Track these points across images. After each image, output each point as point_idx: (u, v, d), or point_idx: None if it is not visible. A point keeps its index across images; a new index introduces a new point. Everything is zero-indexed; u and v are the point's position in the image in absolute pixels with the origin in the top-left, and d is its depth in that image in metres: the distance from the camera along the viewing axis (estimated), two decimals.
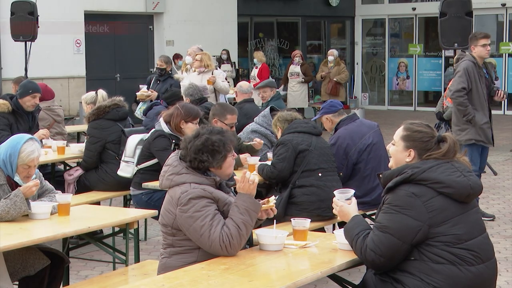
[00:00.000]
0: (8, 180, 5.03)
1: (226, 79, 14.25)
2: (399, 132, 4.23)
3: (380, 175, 4.21)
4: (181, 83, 11.34)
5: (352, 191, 4.39)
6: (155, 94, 10.95)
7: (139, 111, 10.91)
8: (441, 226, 3.97)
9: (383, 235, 3.99)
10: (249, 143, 7.49)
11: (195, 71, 11.61)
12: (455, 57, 10.52)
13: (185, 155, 4.36)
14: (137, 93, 11.08)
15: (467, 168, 4.15)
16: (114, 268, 6.51)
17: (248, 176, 4.25)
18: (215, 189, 4.28)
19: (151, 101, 10.78)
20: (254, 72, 16.72)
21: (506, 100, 15.64)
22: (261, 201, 4.33)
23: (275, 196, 4.59)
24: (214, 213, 4.18)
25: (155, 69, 11.64)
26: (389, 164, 4.29)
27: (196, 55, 11.86)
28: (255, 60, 16.87)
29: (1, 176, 5.00)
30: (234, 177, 4.40)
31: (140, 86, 11.69)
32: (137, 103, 11.81)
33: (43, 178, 5.32)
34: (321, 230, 6.58)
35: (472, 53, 8.53)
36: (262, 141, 7.59)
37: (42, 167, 7.65)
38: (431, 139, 4.17)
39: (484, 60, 8.65)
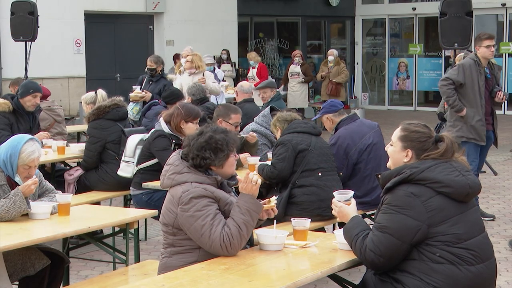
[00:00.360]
0: (8, 180, 5.03)
1: (224, 79, 14.24)
2: (397, 132, 4.24)
3: (379, 176, 4.22)
4: (173, 84, 11.27)
5: (352, 192, 4.40)
6: (149, 95, 10.85)
7: (131, 111, 10.80)
8: (440, 225, 3.98)
9: (382, 235, 4.00)
10: (242, 135, 7.47)
11: (183, 72, 11.61)
12: (461, 54, 10.53)
13: (188, 152, 4.36)
14: (130, 94, 10.95)
15: (465, 168, 4.15)
16: (114, 268, 6.51)
17: (251, 177, 4.25)
18: (217, 189, 4.29)
19: (145, 102, 10.72)
20: (253, 72, 16.66)
21: (506, 101, 15.64)
22: (262, 201, 4.33)
23: (276, 196, 4.59)
24: (215, 213, 4.18)
25: (146, 69, 11.49)
26: (387, 164, 4.29)
27: (187, 56, 11.82)
28: (251, 62, 16.80)
29: (1, 177, 5.00)
30: (237, 177, 4.41)
31: (134, 87, 11.59)
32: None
33: (43, 178, 5.32)
34: (321, 230, 6.59)
35: (477, 53, 8.55)
36: (256, 135, 7.58)
37: (42, 167, 7.66)
38: (429, 139, 4.17)
39: (489, 61, 8.66)
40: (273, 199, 4.39)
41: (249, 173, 4.29)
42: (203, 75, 11.37)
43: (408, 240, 3.97)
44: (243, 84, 10.08)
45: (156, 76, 11.16)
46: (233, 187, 4.57)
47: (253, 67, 16.73)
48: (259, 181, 4.29)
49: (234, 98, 10.90)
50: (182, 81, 11.42)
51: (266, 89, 10.08)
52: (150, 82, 11.17)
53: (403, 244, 3.98)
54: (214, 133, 4.36)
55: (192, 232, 4.19)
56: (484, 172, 11.16)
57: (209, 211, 4.17)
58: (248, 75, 16.65)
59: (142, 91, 10.99)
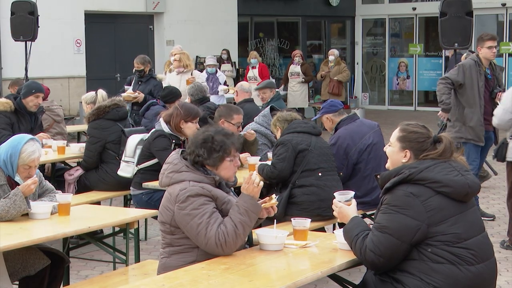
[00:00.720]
0: (9, 180, 5.04)
1: (226, 83, 14.18)
2: (395, 133, 4.26)
3: (378, 176, 4.22)
4: (163, 84, 11.17)
5: (352, 193, 4.41)
6: (141, 95, 10.72)
7: None
8: (440, 225, 3.98)
9: (382, 236, 4.00)
10: (241, 132, 7.46)
11: (173, 71, 11.56)
12: (463, 55, 10.53)
13: (188, 147, 4.38)
14: (122, 95, 10.75)
15: (464, 167, 4.16)
16: (114, 268, 6.51)
17: (254, 178, 4.25)
18: (214, 188, 4.29)
19: (136, 102, 10.64)
20: (254, 72, 16.45)
21: None
22: (262, 200, 4.33)
23: (275, 196, 4.59)
24: (211, 211, 4.18)
25: (134, 70, 11.35)
26: (386, 165, 4.30)
27: (175, 54, 11.75)
28: (253, 61, 16.58)
29: (2, 177, 5.00)
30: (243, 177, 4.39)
31: (125, 87, 11.50)
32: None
33: (43, 178, 5.33)
34: (322, 230, 6.58)
35: (479, 54, 8.56)
36: (253, 132, 7.57)
37: (42, 172, 7.65)
38: (427, 139, 4.19)
39: (491, 61, 8.66)
40: (274, 197, 4.39)
41: (252, 173, 4.30)
42: (191, 74, 11.33)
43: (408, 240, 3.98)
44: (243, 83, 10.09)
45: (145, 77, 11.02)
46: (232, 188, 4.57)
47: (254, 67, 16.60)
48: (261, 183, 4.29)
49: (234, 98, 10.86)
50: (170, 80, 11.39)
51: (266, 89, 10.09)
52: (140, 83, 11.02)
53: (403, 244, 3.98)
54: (215, 133, 4.38)
55: (189, 230, 4.19)
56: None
57: (205, 210, 4.17)
58: (249, 75, 16.47)
59: (135, 91, 10.88)
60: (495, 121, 7.59)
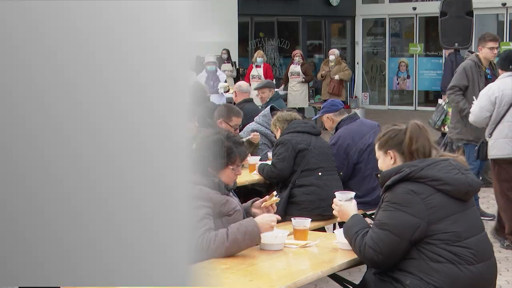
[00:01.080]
0: None
1: (226, 82, 14.18)
2: (375, 146, 4.29)
3: (378, 175, 4.23)
4: None
5: (353, 193, 4.43)
6: None
7: None
8: (440, 223, 3.98)
9: (382, 232, 4.00)
10: (246, 138, 7.47)
11: None
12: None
13: (195, 144, 4.37)
14: None
15: (464, 167, 4.17)
16: None
17: (274, 219, 4.20)
18: (211, 190, 4.27)
19: None
20: (258, 71, 16.32)
21: None
22: (263, 198, 4.32)
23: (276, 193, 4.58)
24: (202, 217, 4.13)
25: None
26: None
27: None
28: (259, 59, 16.45)
29: None
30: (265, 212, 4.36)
31: None
32: None
33: None
34: (322, 229, 6.58)
35: (479, 53, 8.56)
36: (259, 134, 7.57)
37: None
38: (399, 132, 4.22)
39: (491, 61, 8.67)
40: (275, 194, 4.37)
41: (275, 218, 4.24)
42: None
43: (408, 237, 3.98)
44: (241, 84, 10.08)
45: None
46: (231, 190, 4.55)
47: (258, 66, 16.43)
48: (275, 228, 4.23)
49: (233, 98, 10.86)
50: None
51: (265, 89, 10.10)
52: None
53: (402, 241, 3.98)
54: (226, 139, 4.35)
55: None
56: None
57: (196, 213, 4.13)
58: (252, 73, 16.30)
59: None
60: (471, 118, 7.63)
